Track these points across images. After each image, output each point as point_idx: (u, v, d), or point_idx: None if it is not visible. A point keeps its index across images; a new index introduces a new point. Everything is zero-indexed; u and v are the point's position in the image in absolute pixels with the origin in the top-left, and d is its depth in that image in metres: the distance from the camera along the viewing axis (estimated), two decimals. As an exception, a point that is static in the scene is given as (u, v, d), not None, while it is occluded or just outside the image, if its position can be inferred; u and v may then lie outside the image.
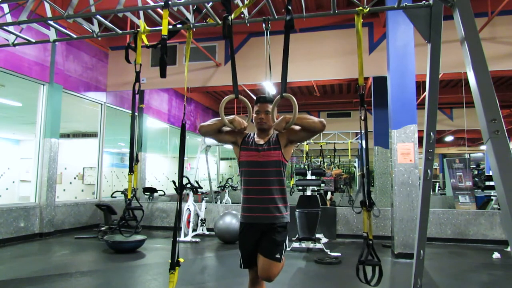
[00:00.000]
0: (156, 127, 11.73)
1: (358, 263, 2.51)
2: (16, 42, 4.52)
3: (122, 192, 7.46)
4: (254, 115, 2.66)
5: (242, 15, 3.59)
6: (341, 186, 13.51)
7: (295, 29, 7.94)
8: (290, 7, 2.45)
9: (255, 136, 2.71)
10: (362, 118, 2.65)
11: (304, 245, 6.16)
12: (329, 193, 11.41)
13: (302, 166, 18.92)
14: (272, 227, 2.54)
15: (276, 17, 3.50)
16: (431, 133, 2.95)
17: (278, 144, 2.60)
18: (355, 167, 22.52)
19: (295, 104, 2.39)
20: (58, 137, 7.53)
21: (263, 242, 2.54)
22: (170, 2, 3.15)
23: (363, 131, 2.66)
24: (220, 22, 3.62)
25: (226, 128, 2.67)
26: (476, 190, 9.20)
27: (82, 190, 11.61)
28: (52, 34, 4.43)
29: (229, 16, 2.56)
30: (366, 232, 2.56)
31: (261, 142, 2.64)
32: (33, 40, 4.51)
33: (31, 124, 8.10)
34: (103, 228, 7.09)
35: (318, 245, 6.04)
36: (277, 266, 2.49)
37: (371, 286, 2.50)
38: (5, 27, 4.24)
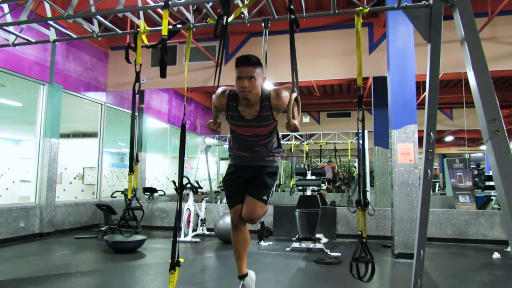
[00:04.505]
0: (156, 127, 11.73)
1: (352, 260, 2.61)
2: (16, 42, 4.52)
3: (122, 192, 7.45)
4: (236, 81, 2.38)
5: (242, 15, 3.59)
6: (339, 179, 13.36)
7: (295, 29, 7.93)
8: (292, 6, 2.51)
9: (239, 105, 2.50)
10: (360, 119, 2.69)
11: (304, 245, 6.16)
12: (324, 185, 10.36)
13: (302, 166, 18.92)
14: (263, 169, 2.70)
15: (276, 17, 3.50)
16: (431, 133, 2.94)
17: (269, 111, 2.45)
18: (354, 167, 22.50)
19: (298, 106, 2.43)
20: (58, 137, 7.53)
21: (252, 184, 2.68)
22: (170, 2, 3.15)
23: (360, 132, 2.69)
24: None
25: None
26: (476, 190, 9.20)
27: (82, 190, 11.62)
28: (52, 34, 4.43)
29: (225, 16, 2.55)
30: (360, 230, 2.65)
31: (249, 117, 2.51)
32: (33, 40, 4.52)
33: (31, 124, 8.09)
34: (103, 228, 7.08)
35: (318, 245, 6.04)
36: (262, 207, 2.65)
37: (364, 282, 2.61)
38: (5, 27, 4.24)
